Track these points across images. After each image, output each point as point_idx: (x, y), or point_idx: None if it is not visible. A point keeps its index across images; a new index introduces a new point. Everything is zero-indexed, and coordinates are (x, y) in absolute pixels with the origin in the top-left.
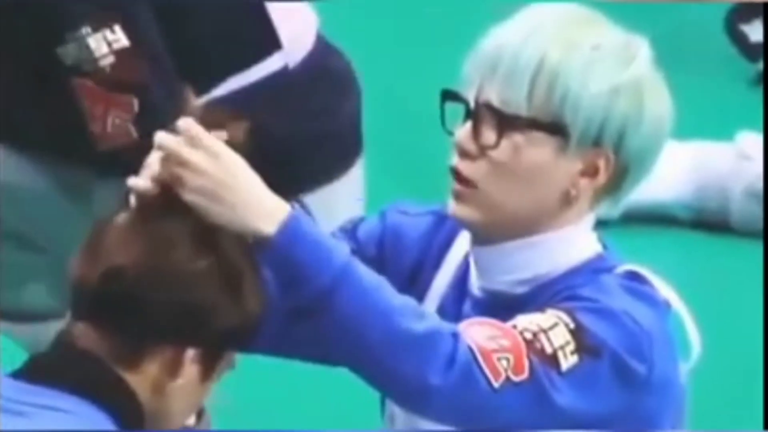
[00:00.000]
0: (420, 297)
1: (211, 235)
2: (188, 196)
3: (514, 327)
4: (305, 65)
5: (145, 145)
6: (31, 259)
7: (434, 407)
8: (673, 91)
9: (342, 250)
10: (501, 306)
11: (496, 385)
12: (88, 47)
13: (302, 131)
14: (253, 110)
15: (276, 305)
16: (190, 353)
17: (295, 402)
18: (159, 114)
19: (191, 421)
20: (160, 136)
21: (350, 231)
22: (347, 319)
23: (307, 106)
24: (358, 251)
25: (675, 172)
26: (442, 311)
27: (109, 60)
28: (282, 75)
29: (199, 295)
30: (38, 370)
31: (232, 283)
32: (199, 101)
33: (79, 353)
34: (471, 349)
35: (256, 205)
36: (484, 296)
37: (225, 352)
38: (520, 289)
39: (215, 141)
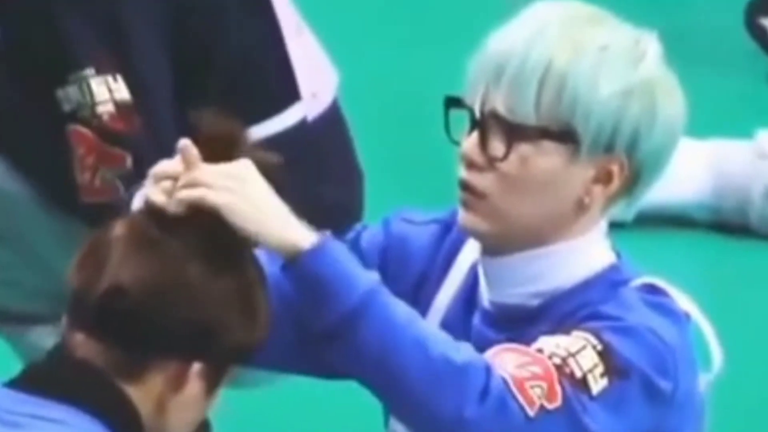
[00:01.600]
0: (425, 308)
1: (224, 254)
2: (215, 197)
3: (541, 351)
4: (322, 121)
5: (130, 203)
6: (11, 259)
7: None
8: (689, 88)
9: (371, 276)
10: (513, 319)
11: (531, 414)
12: (89, 89)
13: (312, 193)
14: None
15: (303, 327)
16: (196, 368)
17: (297, 415)
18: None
19: None
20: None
21: (353, 240)
22: (372, 346)
23: (319, 167)
24: (361, 261)
25: (692, 171)
26: (448, 324)
27: (108, 108)
28: (300, 127)
29: (210, 313)
30: (35, 380)
31: (243, 301)
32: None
33: (77, 363)
34: (504, 380)
35: (288, 218)
36: (494, 309)
37: (230, 368)
38: (533, 302)
39: (237, 163)
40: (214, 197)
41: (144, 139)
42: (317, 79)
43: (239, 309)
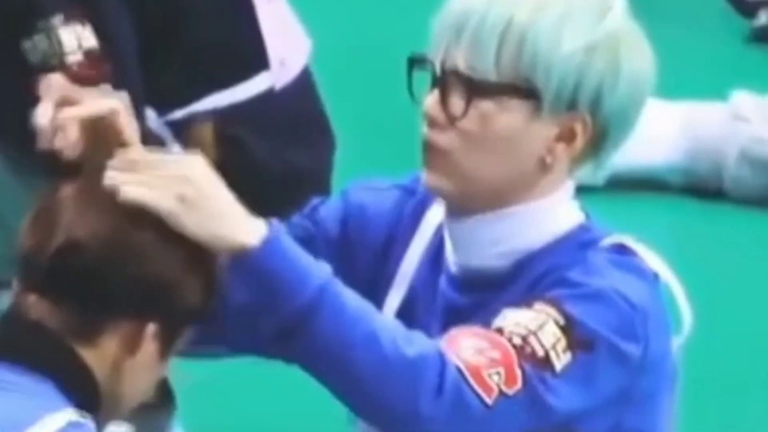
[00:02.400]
0: (391, 275)
1: None
2: (165, 203)
3: (500, 332)
4: (290, 90)
5: None
6: None
7: None
8: (662, 48)
9: (323, 269)
10: (480, 283)
11: (489, 402)
12: (58, 39)
13: (281, 160)
14: (235, 130)
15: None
16: (151, 329)
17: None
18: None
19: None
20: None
21: (309, 213)
22: (328, 341)
23: (289, 134)
24: (318, 233)
25: (665, 133)
26: (416, 288)
27: (77, 58)
28: (267, 96)
29: (165, 271)
30: None
31: (199, 261)
32: (174, 115)
33: (30, 325)
34: (459, 370)
35: (238, 218)
36: (460, 272)
37: (186, 328)
38: (499, 264)
39: (193, 156)
40: (157, 203)
41: (115, 85)
42: (287, 47)
43: (194, 269)
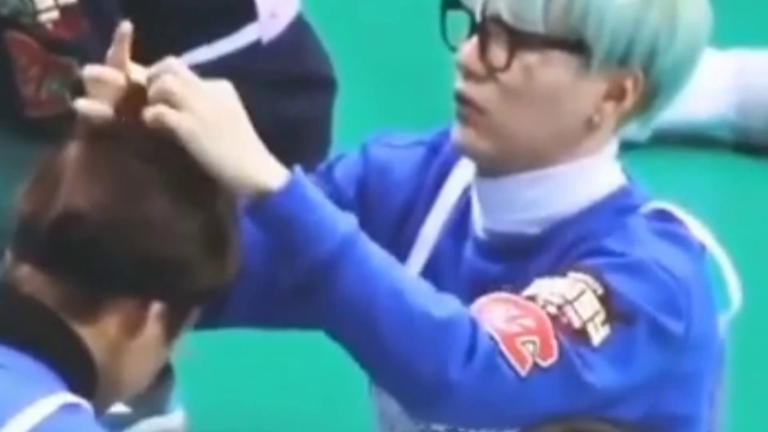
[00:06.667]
0: (411, 240)
1: (195, 189)
2: (186, 124)
3: (534, 300)
4: (280, 41)
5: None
6: None
7: (454, 405)
8: None
9: (348, 220)
10: (509, 250)
11: (523, 373)
12: None
13: (270, 112)
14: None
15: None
16: (155, 310)
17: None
18: None
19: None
20: (155, 71)
21: (324, 172)
22: (350, 295)
23: (278, 86)
24: (335, 194)
25: (714, 85)
26: (437, 256)
27: (53, 15)
28: (254, 49)
29: (175, 248)
30: None
31: (211, 241)
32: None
33: (22, 300)
34: (492, 337)
35: (261, 157)
36: (488, 238)
37: (192, 311)
38: (532, 230)
39: (216, 85)
40: (180, 123)
41: (92, 44)
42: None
43: (205, 248)
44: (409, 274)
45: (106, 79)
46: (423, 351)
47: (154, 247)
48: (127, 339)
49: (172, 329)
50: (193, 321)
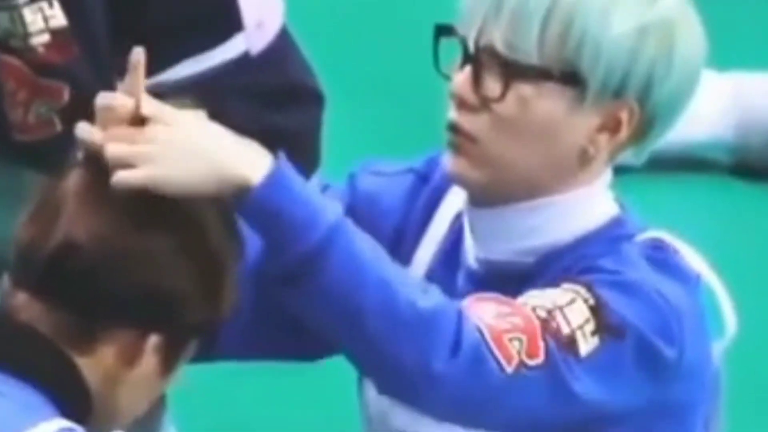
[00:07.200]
0: None
1: (196, 224)
2: (151, 184)
3: (524, 304)
4: (268, 53)
5: (68, 139)
6: None
7: (438, 397)
8: (709, 15)
9: (335, 208)
10: (503, 279)
11: (509, 369)
12: (21, 18)
13: (260, 124)
14: (209, 97)
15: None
16: (152, 342)
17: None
18: (89, 105)
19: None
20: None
21: None
22: (337, 285)
23: (268, 98)
24: None
25: (712, 107)
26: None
27: (43, 39)
28: (242, 62)
29: (173, 281)
30: None
31: (210, 275)
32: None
33: (19, 328)
34: (479, 330)
35: (235, 155)
36: (481, 268)
37: (189, 344)
38: (526, 260)
39: (162, 106)
40: (134, 177)
41: (82, 69)
42: (264, 7)
43: (207, 281)
44: (395, 264)
45: (115, 106)
46: (408, 341)
47: (153, 280)
48: (123, 370)
49: (168, 361)
50: (189, 354)
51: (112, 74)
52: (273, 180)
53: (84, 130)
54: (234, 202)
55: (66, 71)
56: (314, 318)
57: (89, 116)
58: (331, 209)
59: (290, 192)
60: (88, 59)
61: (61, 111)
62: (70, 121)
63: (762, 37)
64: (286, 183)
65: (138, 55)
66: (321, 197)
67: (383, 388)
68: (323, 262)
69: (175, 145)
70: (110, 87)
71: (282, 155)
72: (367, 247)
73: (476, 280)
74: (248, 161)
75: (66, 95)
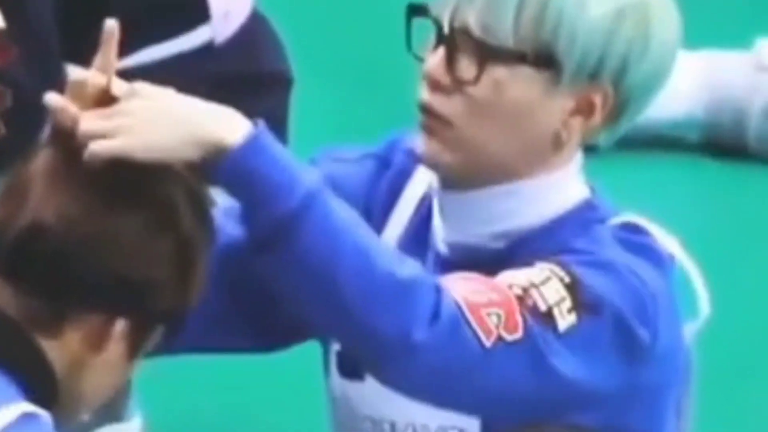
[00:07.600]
0: None
1: (168, 209)
2: (127, 152)
3: (500, 282)
4: (233, 42)
5: (12, 142)
6: None
7: (416, 367)
8: None
9: (311, 174)
10: (473, 263)
11: (487, 344)
12: None
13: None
14: (173, 84)
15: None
16: (119, 327)
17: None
18: (34, 108)
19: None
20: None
21: None
22: (313, 253)
23: (231, 86)
24: None
25: (683, 85)
26: None
27: None
28: (206, 50)
29: (142, 266)
30: None
31: (181, 262)
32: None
33: None
34: (457, 303)
35: (214, 118)
36: (451, 252)
37: (156, 330)
38: (496, 244)
39: (136, 83)
40: (110, 147)
41: (24, 71)
42: None
43: (173, 269)
44: (372, 233)
45: (87, 82)
46: (386, 310)
47: (123, 265)
48: (90, 354)
49: (135, 347)
50: (156, 340)
51: (61, 76)
52: (252, 142)
53: (55, 100)
54: (212, 166)
55: (6, 75)
56: (289, 287)
57: (33, 120)
58: (309, 175)
59: (268, 155)
60: (31, 62)
61: (5, 115)
62: (13, 125)
63: (732, 15)
64: (265, 146)
65: (112, 27)
66: (299, 163)
67: (360, 359)
68: (299, 228)
69: (154, 113)
70: (58, 89)
71: (261, 122)
72: (345, 216)
73: (445, 264)
74: (227, 124)
75: (9, 99)
